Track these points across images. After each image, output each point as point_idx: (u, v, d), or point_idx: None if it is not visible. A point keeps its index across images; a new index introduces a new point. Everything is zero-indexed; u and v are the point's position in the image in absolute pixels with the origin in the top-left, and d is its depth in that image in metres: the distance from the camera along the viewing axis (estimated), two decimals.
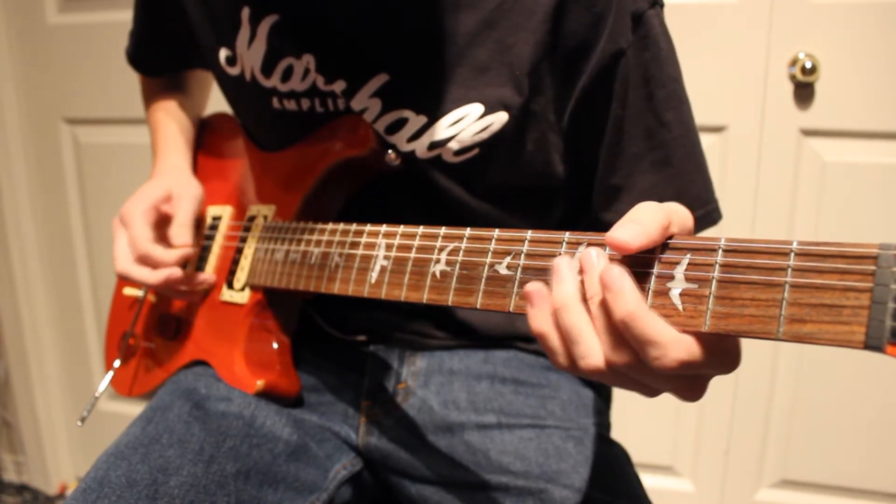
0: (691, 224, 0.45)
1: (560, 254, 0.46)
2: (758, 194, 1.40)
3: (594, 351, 0.42)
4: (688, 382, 0.43)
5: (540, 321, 0.45)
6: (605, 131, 0.69)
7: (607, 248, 0.44)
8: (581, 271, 0.44)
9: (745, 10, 1.34)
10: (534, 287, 0.45)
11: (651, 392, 0.44)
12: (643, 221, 0.41)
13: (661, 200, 0.68)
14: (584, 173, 0.73)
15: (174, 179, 0.82)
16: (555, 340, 0.44)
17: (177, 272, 0.75)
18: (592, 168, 0.72)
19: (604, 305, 0.42)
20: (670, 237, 0.42)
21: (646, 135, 0.68)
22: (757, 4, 1.32)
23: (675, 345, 0.39)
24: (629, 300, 0.40)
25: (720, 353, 0.40)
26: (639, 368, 0.42)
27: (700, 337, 0.40)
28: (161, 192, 0.79)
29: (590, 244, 0.45)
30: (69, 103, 1.78)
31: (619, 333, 0.41)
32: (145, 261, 0.75)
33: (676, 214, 0.43)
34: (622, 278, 0.40)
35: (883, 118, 1.32)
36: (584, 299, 0.43)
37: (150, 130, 0.94)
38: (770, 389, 1.49)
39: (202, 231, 0.86)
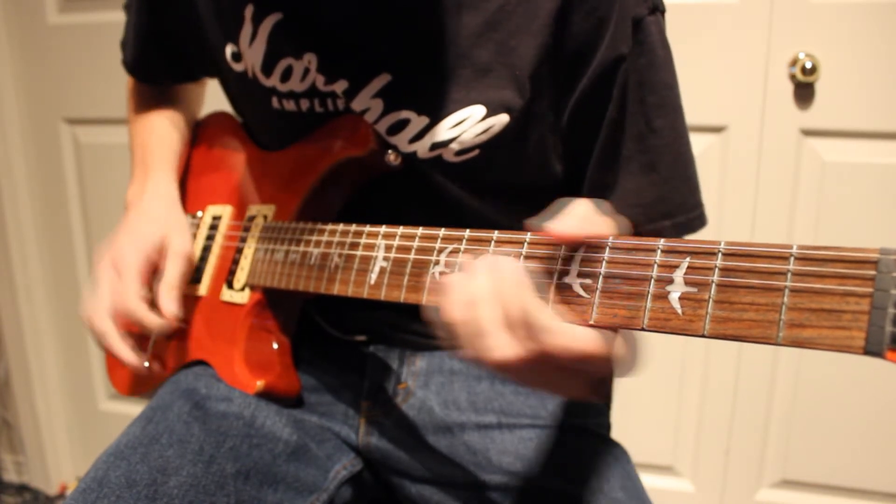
0: (626, 229, 0.49)
1: (559, 256, 0.47)
2: (758, 194, 1.40)
3: (499, 345, 0.45)
4: (583, 380, 0.46)
5: (452, 312, 0.48)
6: (600, 132, 0.69)
7: (525, 245, 0.48)
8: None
9: (745, 10, 1.34)
10: (449, 279, 0.49)
11: (560, 390, 0.48)
12: (571, 213, 0.46)
13: (644, 203, 0.70)
14: (576, 171, 0.74)
15: (167, 222, 0.80)
16: (465, 330, 0.47)
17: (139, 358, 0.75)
18: (585, 166, 0.72)
19: (506, 296, 0.45)
20: (604, 237, 0.45)
21: (636, 138, 0.69)
22: (757, 4, 1.32)
23: (563, 334, 0.42)
24: (525, 294, 0.43)
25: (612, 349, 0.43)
26: (537, 361, 0.44)
27: (595, 330, 0.43)
28: (156, 241, 0.77)
29: (589, 246, 0.45)
30: (69, 103, 1.78)
31: (515, 324, 0.44)
32: (129, 316, 0.73)
33: (604, 211, 0.47)
34: (519, 272, 0.45)
35: (883, 118, 1.32)
36: (494, 295, 0.46)
37: (135, 136, 0.91)
38: (770, 389, 1.49)
39: (202, 231, 0.86)
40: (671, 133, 0.69)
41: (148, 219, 0.79)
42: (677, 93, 0.70)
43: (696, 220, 0.73)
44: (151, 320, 0.73)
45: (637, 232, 0.70)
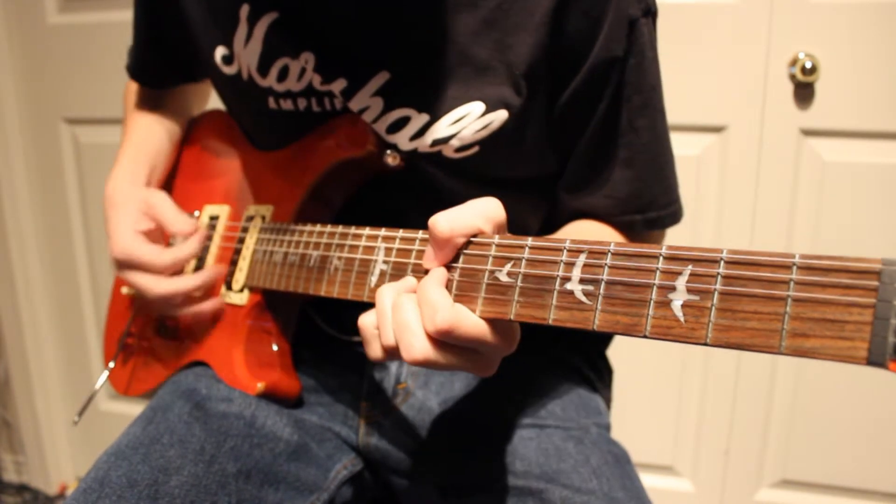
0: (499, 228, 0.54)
1: (560, 261, 0.47)
2: (758, 194, 1.40)
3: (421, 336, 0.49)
4: (481, 360, 0.51)
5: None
6: (588, 128, 0.71)
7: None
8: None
9: (745, 10, 1.34)
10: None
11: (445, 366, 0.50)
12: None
13: (617, 196, 0.73)
14: (561, 161, 0.75)
15: (129, 197, 0.85)
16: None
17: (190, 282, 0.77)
18: (569, 156, 0.74)
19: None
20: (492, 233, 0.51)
21: (617, 134, 0.71)
22: (757, 4, 1.32)
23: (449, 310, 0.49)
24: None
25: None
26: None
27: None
28: (140, 204, 0.80)
29: (591, 252, 0.45)
30: (69, 103, 1.78)
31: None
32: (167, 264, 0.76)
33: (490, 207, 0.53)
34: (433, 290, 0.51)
35: (883, 118, 1.32)
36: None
37: (123, 135, 0.93)
38: (770, 389, 1.49)
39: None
40: (651, 133, 0.72)
41: (120, 200, 0.84)
42: (661, 95, 0.73)
43: (668, 217, 0.75)
44: (182, 252, 0.78)
45: (608, 223, 0.74)
